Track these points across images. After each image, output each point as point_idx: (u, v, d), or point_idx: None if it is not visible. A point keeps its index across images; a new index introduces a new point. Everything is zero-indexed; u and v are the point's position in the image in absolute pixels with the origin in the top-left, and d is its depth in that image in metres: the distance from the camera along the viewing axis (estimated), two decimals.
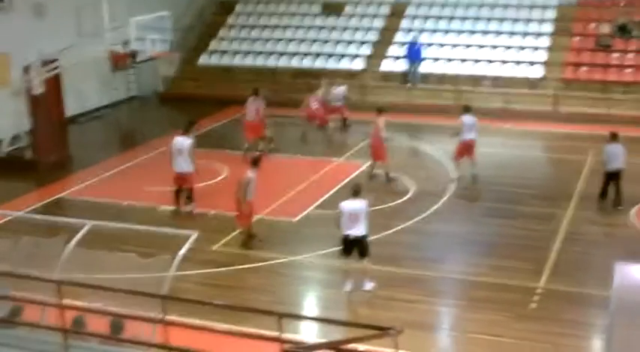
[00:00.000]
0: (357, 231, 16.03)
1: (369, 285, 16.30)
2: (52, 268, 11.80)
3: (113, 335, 11.03)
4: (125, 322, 11.00)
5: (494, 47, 32.68)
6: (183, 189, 20.70)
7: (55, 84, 27.93)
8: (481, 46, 32.82)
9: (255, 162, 18.68)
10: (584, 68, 31.26)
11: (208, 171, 22.85)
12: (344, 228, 16.02)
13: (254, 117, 25.02)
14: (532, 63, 31.82)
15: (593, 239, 19.08)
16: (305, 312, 15.83)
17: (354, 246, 16.14)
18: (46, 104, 25.45)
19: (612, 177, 20.57)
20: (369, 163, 23.39)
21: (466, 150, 22.51)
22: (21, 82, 25.53)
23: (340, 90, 27.78)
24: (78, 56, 25.33)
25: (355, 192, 16.38)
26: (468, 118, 22.50)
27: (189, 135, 20.98)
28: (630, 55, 31.38)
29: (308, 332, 14.45)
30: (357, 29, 34.99)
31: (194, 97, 32.63)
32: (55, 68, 25.39)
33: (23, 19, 28.17)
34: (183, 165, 20.47)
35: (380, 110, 23.24)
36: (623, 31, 31.96)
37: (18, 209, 19.91)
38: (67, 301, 10.87)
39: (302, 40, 34.98)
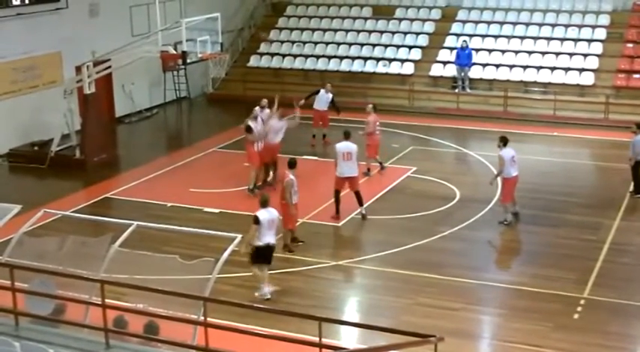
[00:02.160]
0: (274, 239, 16.45)
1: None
2: (97, 267, 11.93)
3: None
4: (160, 324, 11.08)
5: (545, 53, 32.42)
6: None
7: (105, 84, 28.36)
8: (531, 52, 32.58)
9: (292, 165, 18.74)
10: (637, 76, 30.86)
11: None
12: (266, 237, 16.12)
13: None
14: (583, 69, 31.50)
15: None
16: (346, 317, 15.84)
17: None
18: (97, 104, 25.78)
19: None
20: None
21: (512, 188, 20.04)
22: (72, 81, 25.89)
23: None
24: (129, 56, 25.57)
25: (264, 201, 16.55)
26: (507, 152, 19.90)
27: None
28: None
29: (348, 338, 14.50)
30: (407, 33, 34.91)
31: (243, 99, 32.76)
32: (107, 68, 25.70)
33: (76, 18, 28.54)
34: (353, 169, 20.39)
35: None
36: None
37: (65, 208, 20.17)
38: (108, 301, 10.99)
39: (352, 44, 34.99)
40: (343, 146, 20.37)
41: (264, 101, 23.63)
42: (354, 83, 33.06)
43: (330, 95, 26.66)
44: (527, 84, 31.78)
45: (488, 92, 31.94)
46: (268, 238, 16.16)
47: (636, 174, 21.69)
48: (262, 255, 16.24)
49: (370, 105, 23.97)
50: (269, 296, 16.14)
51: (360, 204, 20.40)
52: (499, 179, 20.28)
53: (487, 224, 20.20)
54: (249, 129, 22.07)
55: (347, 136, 20.83)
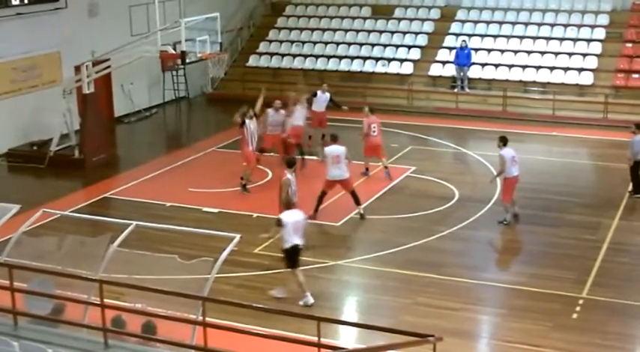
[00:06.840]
0: (302, 240, 16.23)
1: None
2: (96, 267, 11.92)
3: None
4: (158, 324, 11.08)
5: (544, 53, 32.42)
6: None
7: (104, 83, 28.34)
8: (530, 52, 32.58)
9: (290, 164, 18.71)
10: (636, 75, 30.86)
11: (253, 173, 22.91)
12: (292, 238, 16.06)
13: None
14: (582, 69, 31.51)
15: None
16: (344, 317, 15.84)
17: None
18: (96, 103, 25.78)
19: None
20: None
21: (513, 187, 20.00)
22: (72, 80, 25.88)
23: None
24: (129, 56, 25.56)
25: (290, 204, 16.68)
26: (508, 151, 19.90)
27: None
28: None
29: (347, 338, 14.50)
30: (406, 33, 34.91)
31: (242, 98, 32.69)
32: (106, 68, 25.69)
33: (76, 18, 28.52)
34: (343, 171, 20.48)
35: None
36: None
37: (64, 207, 20.15)
38: (107, 301, 10.99)
39: (351, 43, 34.99)
40: (331, 149, 20.49)
41: (278, 102, 24.14)
42: (352, 83, 33.04)
43: (328, 95, 26.53)
44: (526, 83, 31.78)
45: (487, 92, 31.94)
46: (297, 240, 16.10)
47: (635, 174, 21.70)
48: (295, 257, 16.21)
49: (366, 108, 23.88)
50: (309, 302, 16.01)
51: (358, 203, 20.40)
52: (499, 178, 20.39)
53: (486, 224, 20.19)
54: (242, 124, 22.14)
55: (334, 139, 20.91)
